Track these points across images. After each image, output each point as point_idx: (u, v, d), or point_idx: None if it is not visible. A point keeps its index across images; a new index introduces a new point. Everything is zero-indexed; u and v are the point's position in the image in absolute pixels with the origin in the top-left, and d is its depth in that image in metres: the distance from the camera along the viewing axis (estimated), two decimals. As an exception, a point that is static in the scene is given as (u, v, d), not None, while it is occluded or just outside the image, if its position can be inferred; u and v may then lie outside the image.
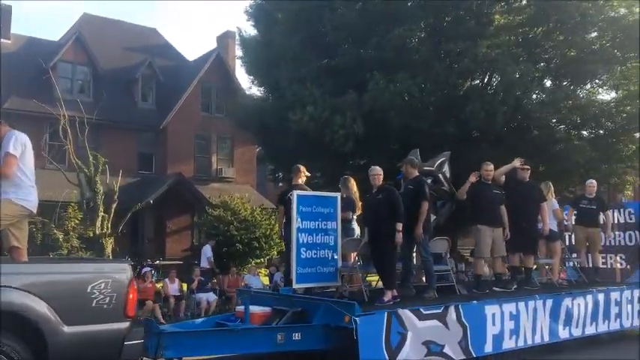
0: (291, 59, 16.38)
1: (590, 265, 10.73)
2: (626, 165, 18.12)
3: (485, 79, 16.72)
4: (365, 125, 15.02)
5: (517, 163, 9.32)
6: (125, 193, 21.54)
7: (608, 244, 11.56)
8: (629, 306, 9.74)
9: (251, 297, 8.20)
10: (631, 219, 11.58)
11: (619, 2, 15.59)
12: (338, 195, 8.39)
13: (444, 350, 7.15)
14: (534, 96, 15.69)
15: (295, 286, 7.89)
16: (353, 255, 8.33)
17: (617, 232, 11.64)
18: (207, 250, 16.85)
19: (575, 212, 10.92)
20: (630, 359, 8.49)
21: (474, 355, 7.40)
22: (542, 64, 16.54)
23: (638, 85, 15.86)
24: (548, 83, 16.85)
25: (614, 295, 9.54)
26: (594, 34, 16.11)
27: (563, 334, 8.66)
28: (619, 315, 9.56)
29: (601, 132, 16.93)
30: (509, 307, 7.98)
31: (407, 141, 15.27)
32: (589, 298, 9.10)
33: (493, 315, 7.76)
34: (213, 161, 26.79)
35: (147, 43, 28.44)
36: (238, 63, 22.18)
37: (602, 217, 11.01)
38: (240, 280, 14.61)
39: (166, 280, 13.61)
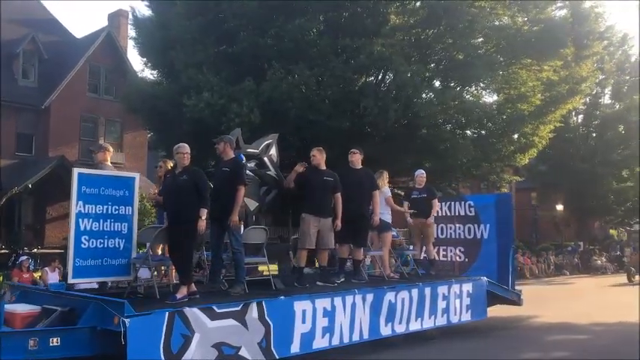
0: (188, 43, 15.94)
1: (427, 258, 10.39)
2: (504, 164, 19.55)
3: (380, 77, 17.24)
4: (262, 115, 14.98)
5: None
6: (1, 175, 20.15)
7: (448, 236, 11.56)
8: (458, 300, 9.31)
9: (22, 293, 7.25)
10: (471, 212, 11.32)
11: (503, 11, 16.72)
12: (136, 175, 7.54)
13: (240, 352, 6.43)
14: (424, 95, 16.39)
15: (71, 280, 6.84)
16: (160, 245, 7.57)
17: (457, 225, 11.43)
18: None
19: (409, 205, 10.32)
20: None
21: (277, 357, 6.75)
22: (432, 65, 17.35)
23: (517, 90, 17.08)
24: (437, 84, 17.65)
25: (442, 290, 9.05)
26: (480, 40, 17.14)
27: (385, 330, 8.08)
28: (446, 310, 9.10)
29: (483, 132, 18.05)
30: (322, 303, 7.30)
31: (303, 132, 15.45)
32: (414, 292, 8.54)
33: (303, 312, 7.06)
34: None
35: (30, 16, 26.54)
36: (131, 44, 21.30)
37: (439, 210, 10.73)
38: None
39: (46, 269, 12.84)
